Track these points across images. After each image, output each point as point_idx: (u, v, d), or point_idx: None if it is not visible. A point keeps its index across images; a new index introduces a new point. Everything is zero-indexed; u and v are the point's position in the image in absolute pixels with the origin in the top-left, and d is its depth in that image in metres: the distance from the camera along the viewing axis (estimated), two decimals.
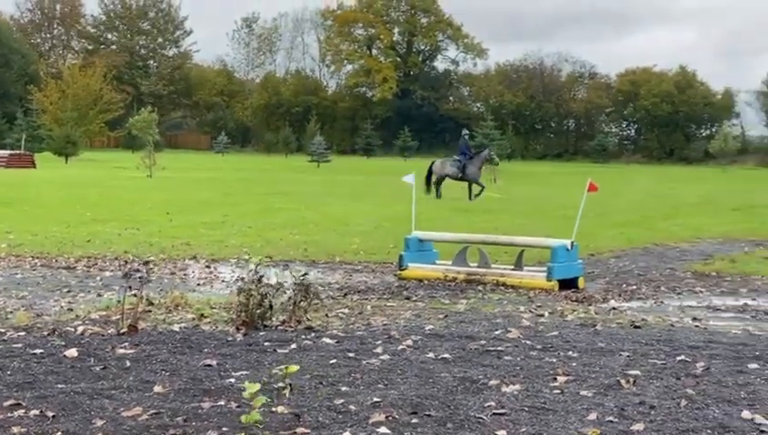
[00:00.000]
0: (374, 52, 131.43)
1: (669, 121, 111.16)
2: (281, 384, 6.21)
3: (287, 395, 6.15)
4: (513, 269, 13.55)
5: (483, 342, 8.38)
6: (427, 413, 6.01)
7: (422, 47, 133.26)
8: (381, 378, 6.96)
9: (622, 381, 6.92)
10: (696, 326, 9.76)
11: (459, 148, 35.90)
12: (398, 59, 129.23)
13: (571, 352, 7.99)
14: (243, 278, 9.11)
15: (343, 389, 6.62)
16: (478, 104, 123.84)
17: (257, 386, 5.25)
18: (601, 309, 11.03)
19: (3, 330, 8.56)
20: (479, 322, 9.59)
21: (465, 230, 17.20)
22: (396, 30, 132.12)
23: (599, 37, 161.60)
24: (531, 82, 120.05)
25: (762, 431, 5.75)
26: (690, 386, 6.83)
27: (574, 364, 7.53)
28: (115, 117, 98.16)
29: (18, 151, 63.12)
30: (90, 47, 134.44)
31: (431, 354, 7.79)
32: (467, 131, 39.36)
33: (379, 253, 16.58)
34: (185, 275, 13.72)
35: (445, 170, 34.81)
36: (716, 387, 6.84)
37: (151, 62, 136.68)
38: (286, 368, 5.92)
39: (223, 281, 13.04)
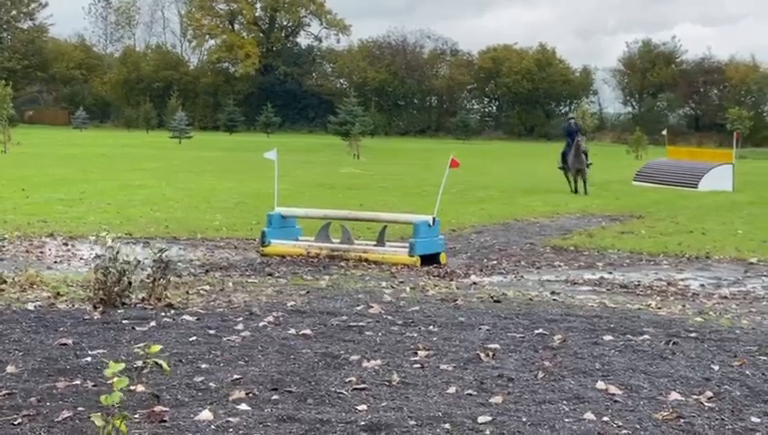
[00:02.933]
0: (236, 27, 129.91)
1: (530, 99, 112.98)
2: (139, 363, 6.09)
3: (148, 372, 6.04)
4: (375, 245, 13.61)
5: (344, 317, 8.39)
6: (288, 389, 5.99)
7: (285, 23, 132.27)
8: (242, 355, 6.91)
9: (482, 355, 7.01)
10: (555, 300, 9.97)
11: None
12: (261, 34, 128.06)
13: (431, 327, 8.06)
14: (101, 255, 8.92)
15: (203, 366, 6.54)
16: (341, 80, 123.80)
17: (120, 366, 5.13)
18: (463, 284, 11.17)
19: None
20: (341, 298, 9.61)
21: (329, 206, 17.21)
22: (258, 5, 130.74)
23: (460, 14, 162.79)
24: (394, 58, 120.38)
25: (615, 401, 5.89)
26: (547, 358, 6.96)
27: (435, 339, 7.60)
28: None
29: None
30: None
31: (292, 331, 7.77)
32: (573, 116, 31.18)
33: (241, 229, 16.45)
34: (41, 252, 13.35)
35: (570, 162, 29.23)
36: (572, 359, 6.99)
37: (5, 35, 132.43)
38: (149, 347, 5.79)
39: (81, 259, 12.75)
